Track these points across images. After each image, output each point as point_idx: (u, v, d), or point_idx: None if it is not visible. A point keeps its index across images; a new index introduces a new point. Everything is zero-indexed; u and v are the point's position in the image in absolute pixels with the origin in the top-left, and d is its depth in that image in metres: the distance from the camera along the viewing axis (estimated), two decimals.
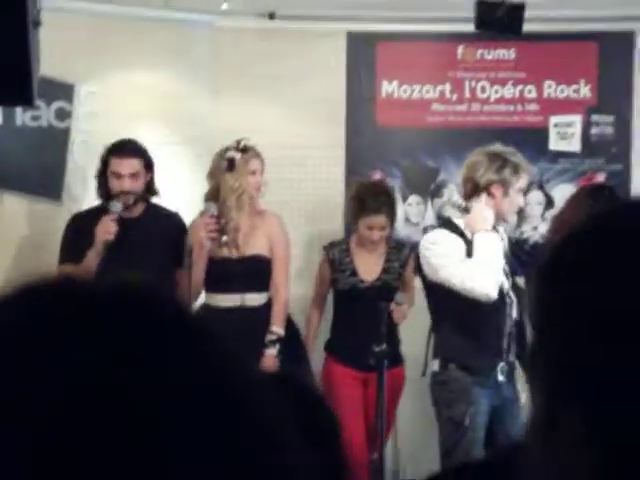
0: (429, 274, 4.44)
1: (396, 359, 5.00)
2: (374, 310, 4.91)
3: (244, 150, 5.10)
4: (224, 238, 4.96)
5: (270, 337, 4.93)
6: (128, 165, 4.92)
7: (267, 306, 5.03)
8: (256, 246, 5.10)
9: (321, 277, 5.40)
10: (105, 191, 4.99)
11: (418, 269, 4.71)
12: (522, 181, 4.45)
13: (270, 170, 5.31)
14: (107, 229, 4.76)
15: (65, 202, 5.75)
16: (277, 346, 4.93)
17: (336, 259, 5.32)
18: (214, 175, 5.14)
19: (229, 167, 5.05)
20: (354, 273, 5.27)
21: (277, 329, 4.98)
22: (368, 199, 5.26)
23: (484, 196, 4.39)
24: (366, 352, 4.71)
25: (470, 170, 4.46)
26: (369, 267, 5.26)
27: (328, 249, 5.38)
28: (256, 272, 5.05)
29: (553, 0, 5.62)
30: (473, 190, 4.41)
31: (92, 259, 4.79)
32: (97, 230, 4.78)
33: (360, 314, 5.09)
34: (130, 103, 5.86)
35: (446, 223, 4.54)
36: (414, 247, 5.57)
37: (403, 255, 5.32)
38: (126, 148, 4.95)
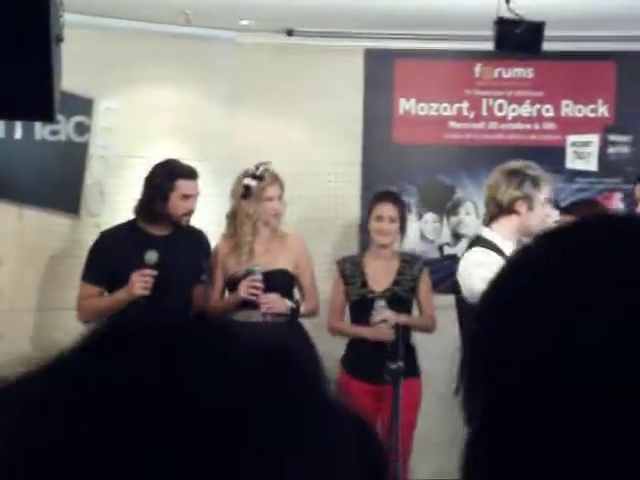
0: (468, 297, 4.35)
1: (411, 371, 5.01)
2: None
3: (260, 178, 5.16)
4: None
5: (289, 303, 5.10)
6: (196, 186, 5.09)
7: (291, 321, 5.07)
8: (279, 263, 5.18)
9: (335, 292, 5.42)
10: (159, 211, 5.01)
11: (452, 289, 4.64)
12: (544, 192, 4.44)
13: (287, 186, 5.34)
14: (145, 285, 4.81)
15: (83, 216, 5.78)
16: (288, 304, 5.08)
17: (348, 272, 5.35)
18: (233, 199, 5.24)
19: (244, 194, 5.14)
20: (364, 284, 5.29)
21: (295, 304, 5.13)
22: (376, 194, 5.44)
23: (511, 217, 4.35)
24: (380, 367, 4.72)
25: (491, 191, 4.43)
26: (379, 278, 5.28)
27: (341, 263, 5.41)
28: (279, 286, 5.09)
29: (571, 20, 5.62)
30: (497, 210, 4.39)
31: (121, 302, 4.83)
32: (133, 280, 4.81)
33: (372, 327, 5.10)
34: (149, 119, 5.90)
35: (480, 240, 4.47)
36: (428, 263, 5.61)
37: (416, 269, 5.32)
38: (193, 170, 5.10)
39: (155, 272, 4.82)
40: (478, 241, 4.42)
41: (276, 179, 5.20)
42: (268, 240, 5.19)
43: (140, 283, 4.80)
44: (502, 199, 4.36)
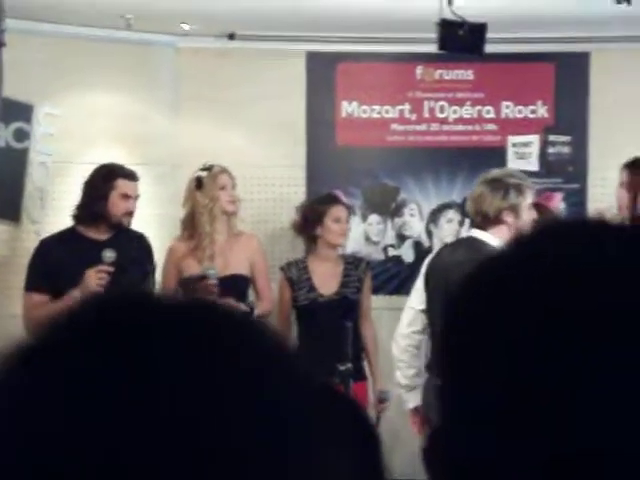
0: None
1: (358, 375, 5.02)
2: (336, 327, 4.95)
3: (209, 168, 5.28)
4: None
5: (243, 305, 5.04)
6: (135, 188, 5.10)
7: None
8: (235, 266, 5.21)
9: (281, 298, 5.41)
10: (99, 212, 4.99)
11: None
12: (528, 198, 4.45)
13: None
14: (100, 282, 4.78)
15: (24, 223, 5.70)
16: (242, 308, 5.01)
17: (294, 277, 5.36)
18: (188, 200, 5.28)
19: (197, 186, 5.24)
20: (313, 288, 5.31)
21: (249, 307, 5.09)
22: (326, 198, 5.47)
23: (499, 227, 4.32)
24: (327, 369, 4.73)
25: (476, 203, 4.42)
26: (327, 282, 5.32)
27: (285, 269, 5.42)
28: (234, 291, 5.08)
29: (510, 21, 5.68)
30: (484, 221, 4.39)
31: (74, 301, 4.77)
32: (88, 277, 4.79)
33: (321, 330, 5.11)
34: (90, 124, 5.84)
35: (480, 242, 4.31)
36: (373, 265, 5.68)
37: (360, 270, 5.38)
38: (133, 172, 5.12)
39: (112, 269, 4.81)
40: (476, 242, 4.31)
41: (225, 170, 5.34)
42: (228, 238, 5.24)
43: (96, 279, 4.77)
44: (488, 210, 4.34)
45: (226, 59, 6.15)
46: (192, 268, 5.16)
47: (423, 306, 4.48)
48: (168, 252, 5.28)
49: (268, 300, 5.30)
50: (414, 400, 4.57)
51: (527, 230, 0.82)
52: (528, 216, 4.44)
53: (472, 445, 0.75)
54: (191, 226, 5.24)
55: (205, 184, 5.22)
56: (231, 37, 6.15)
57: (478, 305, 0.78)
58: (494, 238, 4.30)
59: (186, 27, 5.94)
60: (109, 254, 4.85)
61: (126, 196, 5.04)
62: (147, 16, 5.63)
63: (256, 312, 5.16)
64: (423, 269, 4.57)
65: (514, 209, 4.35)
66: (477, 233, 4.40)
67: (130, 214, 5.09)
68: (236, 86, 6.12)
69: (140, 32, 5.89)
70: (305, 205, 5.59)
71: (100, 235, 5.03)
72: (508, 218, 4.35)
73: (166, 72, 6.12)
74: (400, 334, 4.60)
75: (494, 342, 0.75)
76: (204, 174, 5.26)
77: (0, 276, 5.56)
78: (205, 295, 4.99)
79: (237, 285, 5.17)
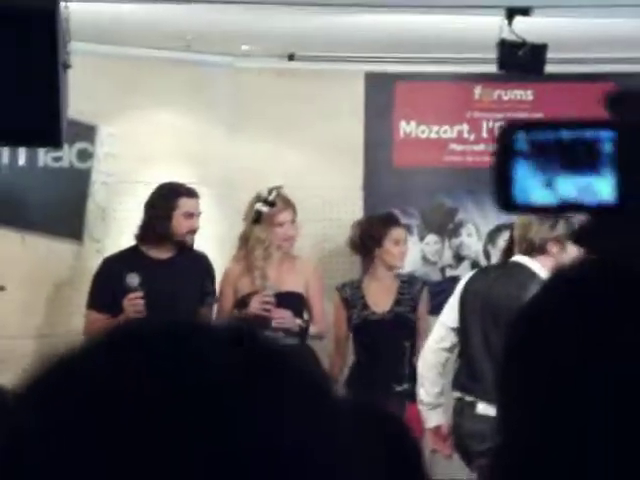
0: None
1: (413, 395, 5.01)
2: (393, 346, 4.95)
3: (272, 204, 5.19)
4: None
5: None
6: (197, 205, 5.15)
7: (301, 342, 5.07)
8: (289, 284, 5.18)
9: (337, 319, 5.41)
10: (163, 232, 5.04)
11: None
12: None
13: None
14: (137, 309, 4.83)
15: (86, 242, 5.79)
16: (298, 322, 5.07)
17: (349, 297, 5.35)
18: (246, 220, 5.28)
19: (255, 220, 5.17)
20: (365, 306, 5.30)
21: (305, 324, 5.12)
22: (385, 218, 5.45)
23: (544, 257, 4.27)
24: (384, 390, 4.71)
25: (523, 230, 4.35)
26: (381, 300, 5.30)
27: (340, 289, 5.41)
28: (289, 307, 5.08)
29: (570, 41, 5.66)
30: (529, 249, 4.34)
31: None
32: (125, 307, 4.84)
33: (378, 350, 5.09)
34: (151, 144, 5.92)
35: (528, 271, 4.27)
36: (430, 285, 5.64)
37: (415, 289, 5.36)
38: (193, 189, 5.16)
39: (140, 293, 4.84)
40: (523, 272, 4.26)
41: (288, 204, 5.25)
42: (279, 263, 5.22)
43: (131, 307, 4.83)
44: (534, 239, 4.29)
45: (285, 80, 6.19)
46: (247, 287, 5.17)
47: (455, 324, 4.44)
48: (224, 275, 5.26)
49: (321, 323, 5.28)
50: (436, 419, 4.51)
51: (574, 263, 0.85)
52: (573, 251, 4.37)
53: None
54: (245, 248, 5.22)
55: (264, 220, 5.15)
56: (290, 58, 6.20)
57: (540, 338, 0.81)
58: (540, 267, 4.24)
59: (245, 48, 6.00)
60: (131, 279, 4.87)
61: (189, 214, 5.09)
62: (207, 37, 5.70)
63: (310, 331, 5.17)
64: (460, 287, 4.50)
65: (560, 241, 4.29)
66: (523, 260, 4.34)
67: (194, 232, 5.14)
68: (295, 107, 6.16)
69: (200, 53, 5.97)
70: (363, 223, 5.56)
71: (162, 254, 5.08)
72: (553, 249, 4.28)
73: (225, 92, 6.18)
74: (429, 349, 4.53)
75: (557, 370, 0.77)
76: (265, 209, 5.17)
77: (63, 294, 5.64)
78: (261, 309, 4.99)
79: (293, 302, 5.17)
